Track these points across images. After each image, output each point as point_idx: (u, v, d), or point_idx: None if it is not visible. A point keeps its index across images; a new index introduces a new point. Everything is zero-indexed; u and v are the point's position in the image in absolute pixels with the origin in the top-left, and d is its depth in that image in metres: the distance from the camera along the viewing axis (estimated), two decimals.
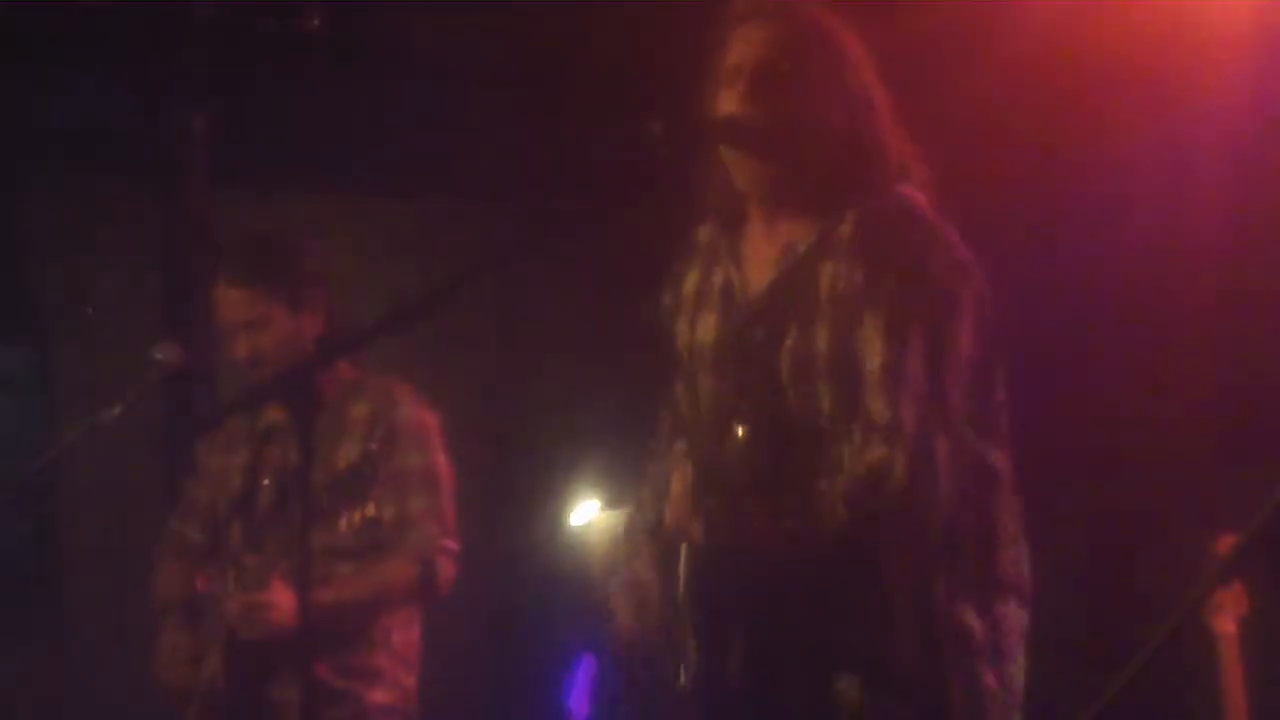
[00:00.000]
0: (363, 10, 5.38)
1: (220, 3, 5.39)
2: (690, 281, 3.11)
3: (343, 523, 3.86)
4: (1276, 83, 4.61)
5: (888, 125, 2.98)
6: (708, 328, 3.03)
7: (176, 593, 4.23)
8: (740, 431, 2.79)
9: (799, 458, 2.85)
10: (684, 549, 2.85)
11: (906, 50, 3.10)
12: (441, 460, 4.13)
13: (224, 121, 5.68)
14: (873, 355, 2.83)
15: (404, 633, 4.16)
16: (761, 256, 3.01)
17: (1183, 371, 4.91)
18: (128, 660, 4.43)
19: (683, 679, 2.90)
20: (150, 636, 4.20)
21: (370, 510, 3.85)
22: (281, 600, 3.85)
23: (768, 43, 2.94)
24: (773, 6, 2.99)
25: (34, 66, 5.39)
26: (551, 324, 6.47)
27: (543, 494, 6.24)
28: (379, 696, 4.09)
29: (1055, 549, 3.38)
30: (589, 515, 5.99)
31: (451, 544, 4.08)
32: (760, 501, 2.80)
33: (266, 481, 4.11)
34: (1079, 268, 4.96)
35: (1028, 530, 3.01)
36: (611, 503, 5.69)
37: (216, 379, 5.60)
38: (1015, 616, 2.95)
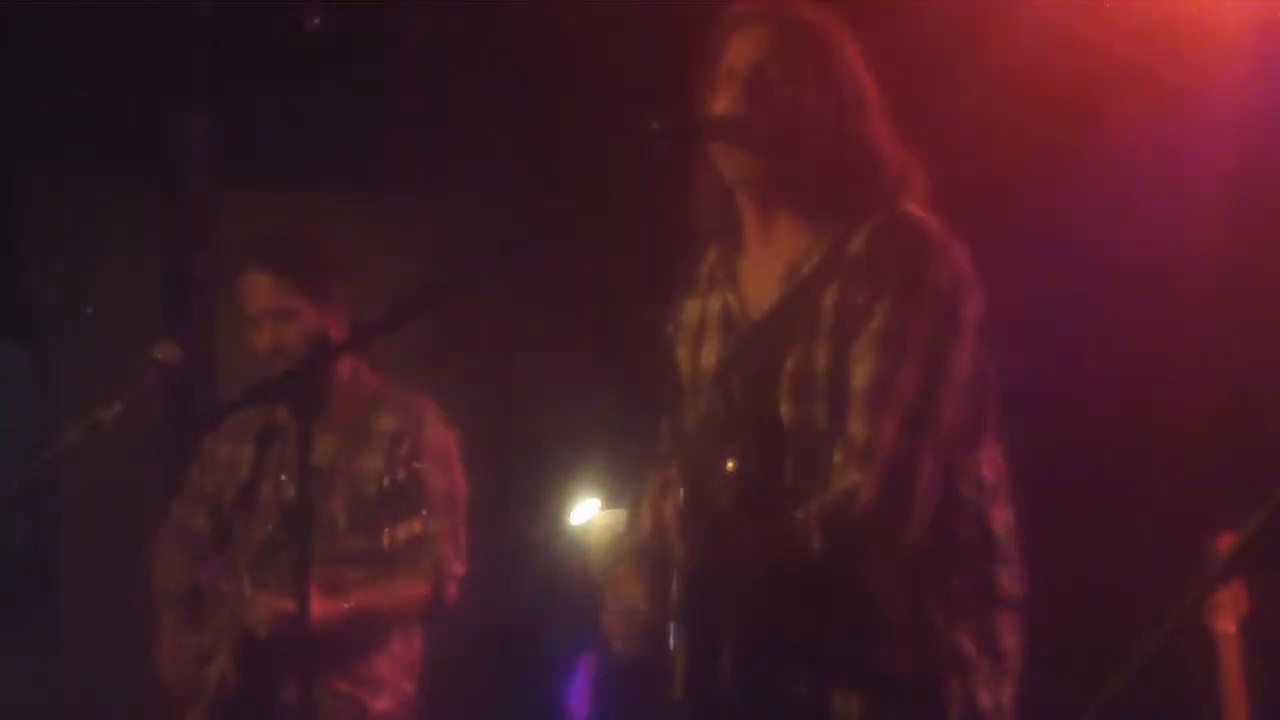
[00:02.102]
0: (363, 10, 5.38)
1: (220, 3, 5.39)
2: (690, 310, 3.10)
3: (385, 537, 3.90)
4: (1277, 81, 4.61)
5: (883, 133, 2.98)
6: (710, 354, 3.03)
7: (178, 583, 4.22)
8: (730, 465, 2.78)
9: (791, 478, 2.85)
10: (675, 573, 2.85)
11: (906, 50, 3.10)
12: (460, 482, 4.15)
13: (224, 121, 5.68)
14: (861, 373, 2.81)
15: (405, 641, 4.17)
16: (762, 277, 2.99)
17: (1183, 371, 4.90)
18: (128, 660, 4.42)
19: (678, 693, 2.90)
20: (151, 634, 4.20)
21: (416, 527, 3.87)
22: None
23: (762, 47, 2.94)
24: (769, 10, 2.99)
25: (34, 66, 5.39)
26: (552, 324, 6.46)
27: (543, 494, 6.24)
28: (381, 703, 4.10)
29: (1054, 550, 3.38)
30: (589, 515, 5.99)
31: (460, 568, 4.10)
32: (745, 529, 2.80)
33: (284, 478, 4.09)
34: (1078, 267, 4.95)
35: (1027, 531, 3.00)
36: (611, 502, 5.69)
37: (216, 379, 5.61)
38: (1012, 631, 2.95)
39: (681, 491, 2.78)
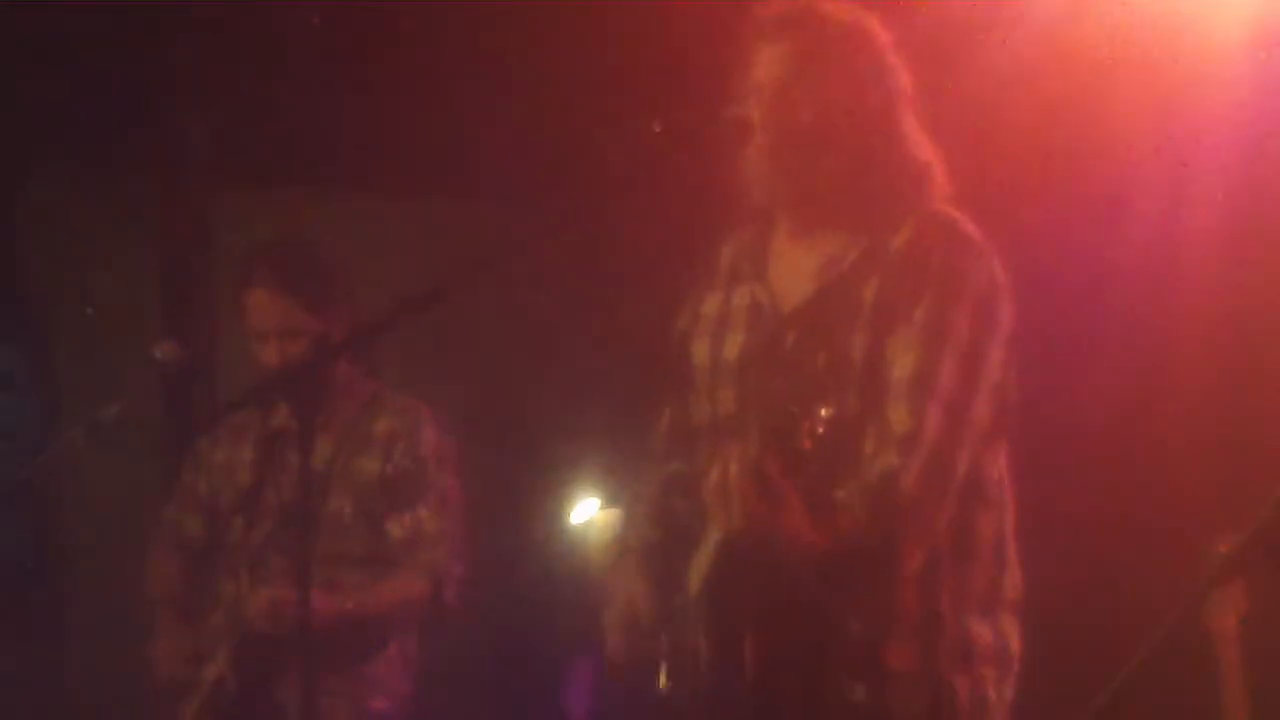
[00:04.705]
0: (363, 10, 5.38)
1: (220, 2, 5.39)
2: (710, 303, 3.10)
3: (391, 526, 3.92)
4: (1277, 81, 4.61)
5: (917, 129, 2.98)
6: (734, 345, 3.02)
7: (169, 586, 4.22)
8: (811, 430, 2.76)
9: (815, 466, 2.84)
10: (712, 543, 2.83)
11: (906, 49, 3.10)
12: (457, 486, 4.16)
13: (224, 121, 5.68)
14: (903, 364, 2.82)
15: (402, 641, 4.17)
16: (793, 271, 3.00)
17: (1183, 371, 4.90)
18: (127, 659, 4.42)
19: (664, 683, 2.91)
20: (148, 633, 4.20)
21: (423, 515, 3.89)
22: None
23: (789, 62, 2.93)
24: (797, 15, 2.96)
25: (35, 66, 5.39)
26: (552, 324, 6.46)
27: (543, 494, 6.25)
28: (378, 703, 4.11)
29: (1054, 550, 3.38)
30: (589, 515, 6.00)
31: (460, 569, 4.10)
32: (797, 500, 2.78)
33: (283, 481, 4.09)
34: (1078, 268, 4.95)
35: (1028, 530, 3.01)
36: (611, 502, 5.70)
37: (216, 379, 5.61)
38: (1015, 633, 2.96)
39: (736, 467, 2.75)
